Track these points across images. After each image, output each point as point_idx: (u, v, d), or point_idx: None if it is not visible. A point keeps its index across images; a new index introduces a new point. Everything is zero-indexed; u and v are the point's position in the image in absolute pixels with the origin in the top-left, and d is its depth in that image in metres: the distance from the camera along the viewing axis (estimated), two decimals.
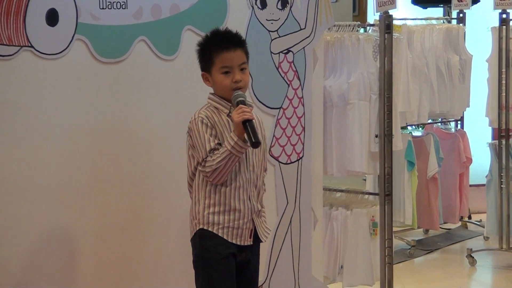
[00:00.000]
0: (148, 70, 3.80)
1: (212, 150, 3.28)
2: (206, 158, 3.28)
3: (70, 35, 3.53)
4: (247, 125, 3.25)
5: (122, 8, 3.68)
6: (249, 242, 3.40)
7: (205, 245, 3.35)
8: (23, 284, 3.43)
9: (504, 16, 6.30)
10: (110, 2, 3.64)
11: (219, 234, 3.33)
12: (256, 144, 3.25)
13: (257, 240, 3.45)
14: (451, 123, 7.05)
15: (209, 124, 3.31)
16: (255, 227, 3.41)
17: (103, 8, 3.62)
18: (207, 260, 3.34)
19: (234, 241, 3.36)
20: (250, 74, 4.17)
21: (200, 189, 3.36)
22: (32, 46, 3.41)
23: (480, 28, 6.79)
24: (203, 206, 3.35)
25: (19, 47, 3.38)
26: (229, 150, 3.26)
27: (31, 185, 3.46)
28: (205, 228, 3.34)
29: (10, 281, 3.40)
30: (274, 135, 4.35)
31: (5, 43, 3.33)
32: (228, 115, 3.36)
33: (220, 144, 3.30)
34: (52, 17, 3.47)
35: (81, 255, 3.62)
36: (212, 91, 3.42)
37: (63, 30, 3.50)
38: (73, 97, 3.57)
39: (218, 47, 3.35)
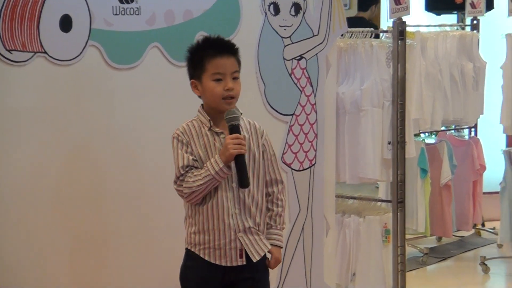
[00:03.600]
0: (161, 76, 3.80)
1: (188, 167, 3.16)
2: (180, 176, 3.16)
3: (84, 41, 3.54)
4: (239, 161, 3.15)
5: (136, 14, 3.69)
6: (240, 262, 3.23)
7: (187, 264, 3.27)
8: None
9: None
10: (124, 8, 3.65)
11: (201, 255, 3.22)
12: (244, 186, 3.18)
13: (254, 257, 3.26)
14: (464, 130, 7.03)
15: (184, 140, 3.20)
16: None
17: (116, 14, 3.62)
18: (187, 280, 3.26)
19: (218, 262, 3.22)
20: (263, 80, 4.20)
21: (184, 207, 3.28)
22: (45, 52, 3.42)
23: (494, 34, 6.76)
24: (187, 225, 3.26)
25: (33, 53, 3.39)
26: (212, 175, 3.14)
27: (42, 189, 3.47)
28: (189, 248, 3.26)
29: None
30: (286, 142, 4.35)
31: (19, 49, 3.35)
32: (209, 129, 3.23)
33: (196, 160, 3.18)
34: (66, 23, 3.48)
35: (83, 259, 3.63)
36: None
37: (77, 36, 3.51)
38: (86, 102, 3.57)
39: (211, 52, 3.21)
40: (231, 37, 3.98)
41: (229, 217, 3.20)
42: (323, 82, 4.51)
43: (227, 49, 3.24)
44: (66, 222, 3.54)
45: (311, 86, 4.44)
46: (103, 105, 3.63)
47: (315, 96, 4.45)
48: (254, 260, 3.25)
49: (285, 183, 3.46)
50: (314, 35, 4.43)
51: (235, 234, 3.21)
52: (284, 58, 4.31)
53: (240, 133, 3.18)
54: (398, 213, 5.02)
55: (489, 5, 7.12)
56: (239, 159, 3.15)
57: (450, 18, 7.57)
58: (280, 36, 4.28)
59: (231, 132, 3.17)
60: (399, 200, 5.01)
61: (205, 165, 3.16)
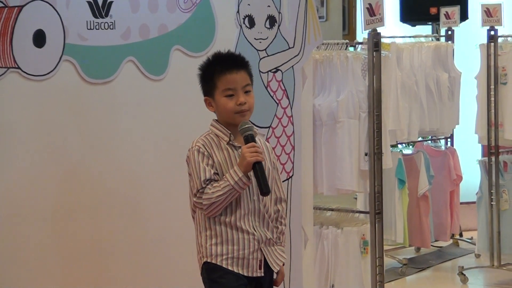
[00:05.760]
0: (137, 91, 3.79)
1: (208, 180, 3.15)
2: (201, 189, 3.15)
3: (58, 56, 3.52)
4: (258, 168, 3.15)
5: (110, 29, 3.68)
6: (259, 273, 3.26)
7: (212, 278, 3.23)
8: None
9: (492, 33, 6.32)
10: (98, 22, 3.64)
11: (223, 265, 3.20)
12: (265, 193, 3.17)
13: (269, 269, 3.31)
14: (441, 140, 7.06)
15: (206, 153, 3.19)
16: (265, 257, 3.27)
17: (90, 29, 3.61)
18: None
19: (240, 272, 3.22)
20: None
21: (201, 220, 3.25)
22: (19, 68, 3.40)
23: (468, 45, 6.81)
24: (205, 238, 3.23)
25: (5, 69, 3.36)
26: (231, 185, 3.14)
27: (17, 206, 3.43)
28: (209, 260, 3.22)
29: None
30: None
31: None
32: (228, 143, 3.24)
33: (217, 174, 3.19)
34: (39, 38, 3.45)
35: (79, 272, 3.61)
36: (215, 118, 3.30)
37: (51, 51, 3.49)
38: (61, 118, 3.55)
39: (220, 69, 3.22)
40: (206, 51, 3.99)
41: (252, 228, 3.24)
42: (300, 94, 4.51)
43: (236, 63, 3.26)
44: (42, 242, 3.52)
45: (288, 98, 4.44)
46: (79, 120, 3.61)
47: (291, 108, 4.46)
48: (275, 270, 3.33)
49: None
50: (289, 48, 4.44)
51: (258, 245, 3.25)
52: (260, 71, 4.31)
53: (255, 142, 3.20)
54: (376, 224, 5.01)
55: (463, 16, 7.19)
56: (258, 167, 3.16)
57: (425, 29, 7.62)
58: (256, 48, 4.28)
59: (246, 142, 3.19)
60: (376, 211, 5.02)
61: (224, 176, 3.17)
